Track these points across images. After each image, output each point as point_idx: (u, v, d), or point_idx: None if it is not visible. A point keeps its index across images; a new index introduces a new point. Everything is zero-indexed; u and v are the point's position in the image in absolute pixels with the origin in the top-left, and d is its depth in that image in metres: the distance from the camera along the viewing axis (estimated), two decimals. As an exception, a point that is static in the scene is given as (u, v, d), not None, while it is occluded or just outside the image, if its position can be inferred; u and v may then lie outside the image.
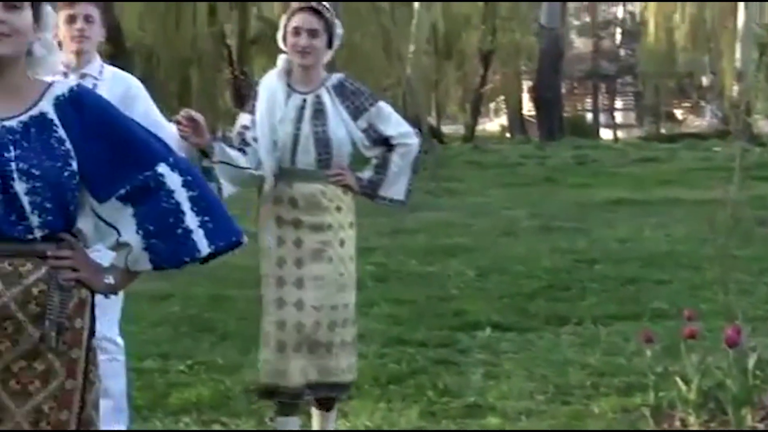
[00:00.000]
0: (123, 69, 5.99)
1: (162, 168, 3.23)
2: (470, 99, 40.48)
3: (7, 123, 3.13)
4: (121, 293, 5.49)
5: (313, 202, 5.55)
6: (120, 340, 5.66)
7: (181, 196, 3.23)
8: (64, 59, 5.67)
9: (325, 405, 5.67)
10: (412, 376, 6.92)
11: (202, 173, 5.46)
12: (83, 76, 5.61)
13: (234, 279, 9.81)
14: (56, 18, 5.60)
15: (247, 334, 7.60)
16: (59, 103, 3.20)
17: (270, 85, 5.65)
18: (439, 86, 39.39)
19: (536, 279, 10.19)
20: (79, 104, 3.22)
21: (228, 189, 5.54)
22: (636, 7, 44.56)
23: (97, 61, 5.72)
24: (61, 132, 3.16)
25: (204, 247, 3.24)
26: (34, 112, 3.17)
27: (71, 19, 5.60)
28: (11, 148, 3.09)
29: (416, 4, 30.02)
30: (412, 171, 5.83)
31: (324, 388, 5.58)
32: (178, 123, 5.35)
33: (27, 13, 3.14)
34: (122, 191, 3.19)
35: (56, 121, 3.17)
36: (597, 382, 6.76)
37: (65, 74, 5.61)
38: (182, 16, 28.65)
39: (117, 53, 23.25)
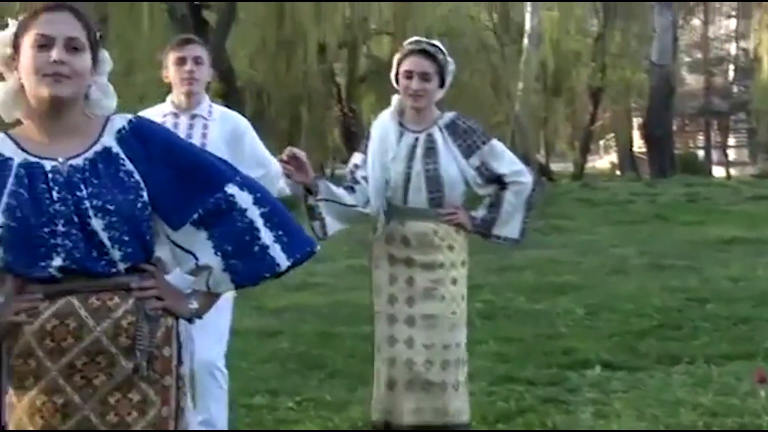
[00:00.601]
0: (234, 108, 6.09)
1: (231, 188, 3.27)
2: (579, 136, 40.34)
3: (73, 162, 3.18)
4: (228, 328, 5.63)
5: (426, 240, 5.57)
6: (225, 371, 5.80)
7: (254, 213, 3.26)
8: (174, 100, 5.80)
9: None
10: (521, 414, 6.86)
11: (306, 210, 5.54)
12: (194, 116, 5.73)
13: (342, 316, 9.86)
14: (166, 60, 5.78)
15: (355, 372, 7.62)
16: (121, 137, 3.25)
17: (382, 124, 5.69)
18: (548, 124, 39.31)
19: (647, 317, 10.05)
20: (142, 136, 3.27)
21: (333, 226, 5.58)
22: (749, 44, 44.00)
23: (206, 101, 5.82)
24: (129, 165, 3.21)
25: (283, 261, 3.28)
26: (98, 147, 3.22)
27: (181, 62, 5.71)
28: (82, 186, 3.14)
29: (525, 42, 29.95)
30: (527, 209, 5.80)
31: (439, 430, 5.56)
32: (282, 162, 5.41)
33: (87, 56, 3.20)
34: (195, 216, 3.23)
35: (122, 155, 3.22)
36: (709, 423, 6.64)
37: (176, 114, 5.74)
38: (292, 55, 28.92)
39: (228, 92, 23.65)
